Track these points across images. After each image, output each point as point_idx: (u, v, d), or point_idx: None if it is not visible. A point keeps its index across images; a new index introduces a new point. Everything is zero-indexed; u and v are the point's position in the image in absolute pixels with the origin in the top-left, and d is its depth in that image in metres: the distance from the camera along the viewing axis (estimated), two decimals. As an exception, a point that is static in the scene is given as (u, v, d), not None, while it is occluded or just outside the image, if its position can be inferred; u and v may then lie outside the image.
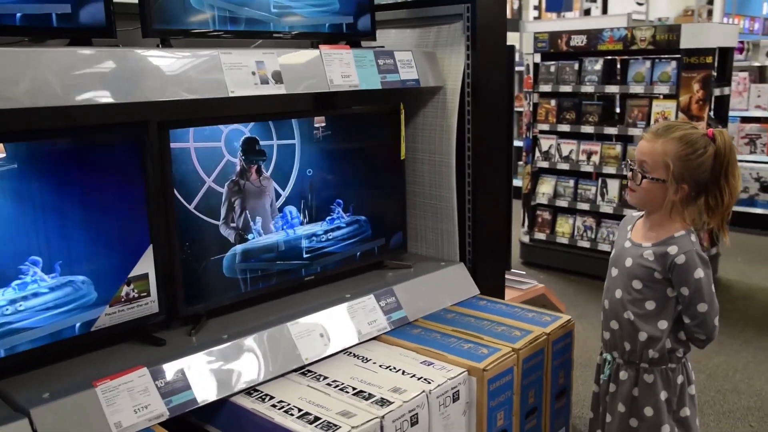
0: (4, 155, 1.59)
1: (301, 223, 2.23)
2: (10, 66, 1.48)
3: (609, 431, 2.03)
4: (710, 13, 12.46)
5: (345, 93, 2.19)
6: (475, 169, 2.46)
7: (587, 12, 12.19)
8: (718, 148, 1.83)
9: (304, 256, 2.24)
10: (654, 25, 5.50)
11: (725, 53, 4.71)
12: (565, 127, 5.23)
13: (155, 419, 1.65)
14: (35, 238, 1.64)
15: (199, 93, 1.79)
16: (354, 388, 1.84)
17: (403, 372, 1.93)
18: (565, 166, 5.28)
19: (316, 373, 1.94)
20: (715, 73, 4.51)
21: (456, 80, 2.41)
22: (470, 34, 2.36)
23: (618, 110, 5.16)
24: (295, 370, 1.94)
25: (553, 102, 5.28)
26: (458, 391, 1.90)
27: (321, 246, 2.29)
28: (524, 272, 3.38)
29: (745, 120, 6.43)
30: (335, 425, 1.65)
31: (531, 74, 5.37)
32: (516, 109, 5.79)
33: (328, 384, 1.88)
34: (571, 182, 5.30)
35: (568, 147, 5.27)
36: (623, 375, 1.99)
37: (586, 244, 5.20)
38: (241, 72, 1.87)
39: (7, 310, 1.61)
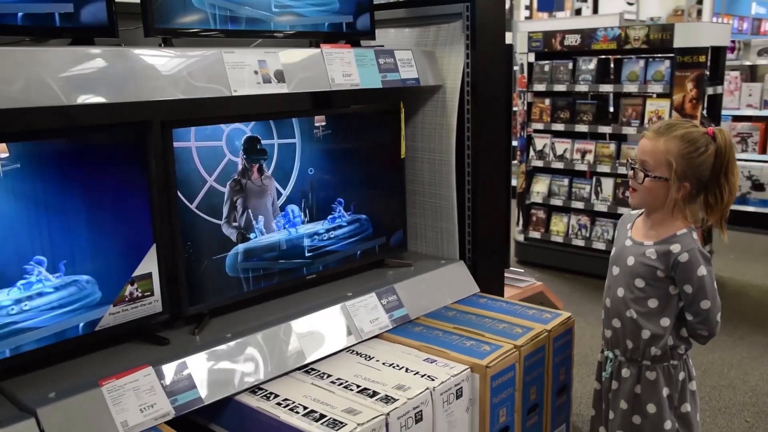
0: (8, 155, 1.59)
1: (303, 222, 2.23)
2: (10, 66, 1.48)
3: (612, 428, 2.04)
4: (700, 12, 12.55)
5: (344, 92, 2.20)
6: (474, 167, 2.47)
7: (578, 12, 12.24)
8: (718, 146, 1.85)
9: (306, 255, 2.25)
10: (647, 25, 5.54)
11: (718, 52, 4.75)
12: (559, 126, 5.26)
13: (161, 418, 1.65)
14: (40, 237, 1.64)
15: (201, 92, 1.80)
16: (358, 386, 1.85)
17: (407, 369, 1.94)
18: (559, 165, 5.30)
19: (319, 371, 1.95)
20: (707, 72, 4.55)
21: (455, 79, 2.42)
22: (470, 33, 2.37)
23: (612, 109, 5.19)
24: (298, 369, 1.95)
25: (547, 101, 5.30)
26: (461, 388, 1.91)
27: (323, 245, 2.29)
28: (522, 270, 3.40)
29: (737, 119, 6.47)
30: (341, 422, 1.66)
31: (525, 73, 5.39)
32: (510, 108, 5.79)
33: (332, 382, 1.88)
34: (566, 181, 5.32)
35: (562, 146, 5.30)
36: (625, 372, 2.00)
37: (580, 243, 5.22)
38: (243, 71, 1.87)
39: (12, 309, 1.60)
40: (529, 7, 12.72)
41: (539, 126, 5.37)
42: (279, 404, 1.76)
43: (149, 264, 1.86)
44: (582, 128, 5.16)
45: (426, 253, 2.65)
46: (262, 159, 2.09)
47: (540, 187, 5.45)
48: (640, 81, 4.82)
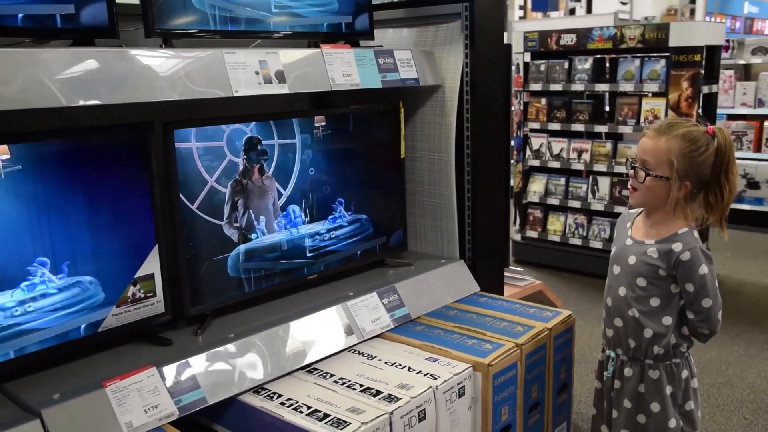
0: (9, 156, 1.58)
1: (304, 222, 2.24)
2: (10, 67, 1.48)
3: (616, 427, 2.04)
4: (692, 12, 12.59)
5: (343, 92, 2.20)
6: (474, 167, 2.48)
7: (572, 11, 12.28)
8: (718, 145, 1.85)
9: (308, 254, 2.25)
10: (643, 24, 5.56)
11: (713, 51, 4.77)
12: (555, 126, 5.27)
13: (165, 419, 1.65)
14: (43, 239, 1.64)
15: (203, 93, 1.80)
16: (361, 385, 1.85)
17: (409, 368, 1.94)
18: (556, 165, 5.32)
19: (322, 370, 1.95)
20: (703, 71, 4.57)
21: (454, 79, 2.43)
22: (469, 33, 2.38)
23: (608, 108, 5.21)
24: (301, 368, 1.95)
25: (543, 101, 5.32)
26: (464, 386, 1.92)
27: (324, 245, 2.30)
28: (522, 269, 3.41)
29: (731, 117, 6.51)
30: (345, 422, 1.66)
31: (521, 73, 5.40)
32: (506, 108, 5.80)
33: (335, 381, 1.89)
34: (562, 180, 5.34)
35: (558, 145, 5.31)
36: (628, 372, 2.00)
37: (577, 242, 5.24)
38: (245, 71, 1.88)
39: (16, 311, 1.60)
40: (523, 7, 12.75)
41: (536, 125, 5.38)
42: (282, 404, 1.76)
43: (151, 265, 1.86)
44: (578, 127, 5.18)
45: (426, 253, 2.65)
46: (263, 159, 2.09)
47: (537, 186, 5.46)
48: (636, 80, 4.84)
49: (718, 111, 5.31)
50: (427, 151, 2.54)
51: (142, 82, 1.69)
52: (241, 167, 2.03)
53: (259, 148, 2.08)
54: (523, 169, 5.50)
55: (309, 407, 1.74)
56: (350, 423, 1.66)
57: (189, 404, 1.71)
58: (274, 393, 1.82)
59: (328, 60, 2.09)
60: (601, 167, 5.09)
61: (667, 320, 1.93)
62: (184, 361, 1.76)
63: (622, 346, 2.02)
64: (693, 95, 4.54)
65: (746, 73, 6.62)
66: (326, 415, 1.70)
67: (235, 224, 2.05)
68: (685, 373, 1.98)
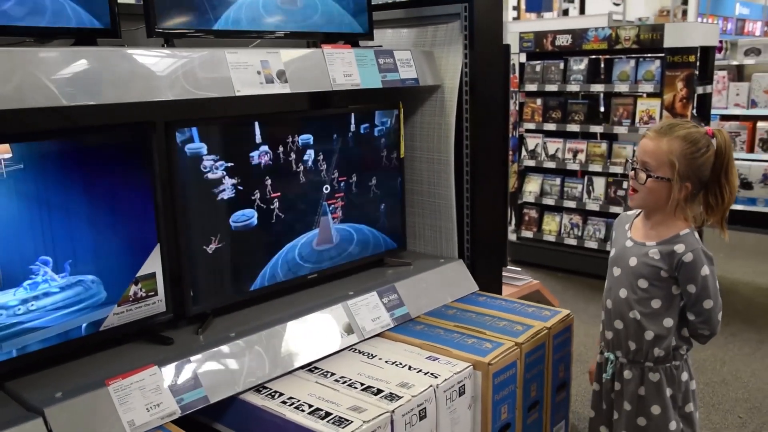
0: (11, 155, 1.58)
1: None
2: (10, 66, 1.47)
3: (617, 429, 2.04)
4: (685, 13, 12.64)
5: (343, 92, 2.21)
6: (473, 166, 2.49)
7: (565, 12, 12.31)
8: (718, 146, 1.85)
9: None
10: (638, 25, 5.58)
11: (707, 52, 4.79)
12: (551, 126, 5.29)
13: (167, 417, 1.66)
14: (45, 238, 1.64)
15: (204, 93, 1.80)
16: (362, 384, 1.86)
17: (410, 367, 1.95)
18: (551, 165, 5.33)
19: (323, 369, 1.96)
20: (697, 72, 4.59)
21: (454, 79, 2.44)
22: (468, 33, 2.39)
23: (603, 109, 5.23)
24: (302, 367, 1.96)
25: (538, 101, 5.33)
26: (464, 385, 1.93)
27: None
28: (519, 269, 3.42)
29: (725, 118, 6.54)
30: (347, 420, 1.67)
31: (517, 74, 5.42)
32: (502, 108, 5.82)
33: (336, 380, 1.89)
34: (558, 180, 5.35)
35: (554, 145, 5.33)
36: (627, 374, 1.99)
37: (572, 242, 5.26)
38: (247, 71, 1.88)
39: (19, 309, 1.60)
40: (516, 8, 12.77)
41: (531, 126, 5.40)
42: (284, 402, 1.77)
43: (153, 264, 1.86)
44: (573, 128, 5.20)
45: (425, 252, 2.66)
46: (262, 159, 2.09)
47: (532, 186, 5.48)
48: (631, 81, 4.86)
49: (712, 111, 5.35)
50: (427, 151, 2.55)
51: (144, 82, 1.69)
52: (242, 166, 2.03)
53: (259, 148, 2.08)
54: (518, 170, 5.51)
55: (310, 406, 1.74)
56: (352, 421, 1.66)
57: (190, 403, 1.71)
58: (276, 392, 1.83)
59: (329, 60, 2.10)
60: (596, 167, 5.11)
61: (668, 322, 1.93)
62: (185, 360, 1.77)
63: (621, 349, 2.01)
64: (687, 96, 4.56)
65: (739, 73, 6.65)
66: (328, 414, 1.70)
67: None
68: (684, 376, 1.97)
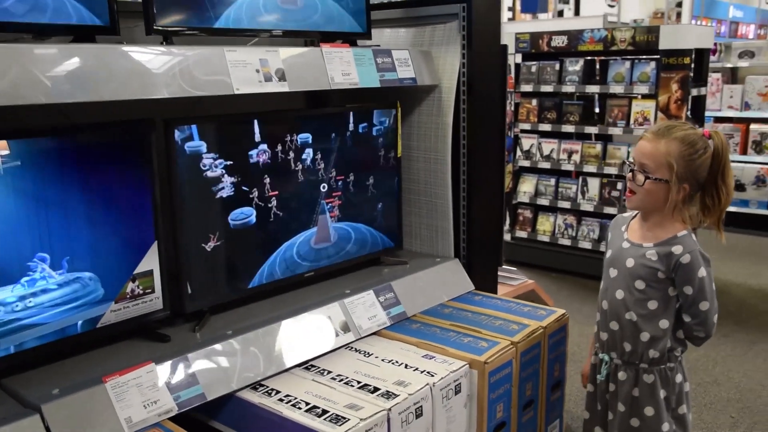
0: (8, 152, 1.58)
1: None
2: (6, 62, 1.47)
3: (611, 429, 2.05)
4: (679, 15, 12.69)
5: (340, 91, 2.21)
6: (470, 166, 2.50)
7: (560, 13, 12.33)
8: (715, 147, 1.86)
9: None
10: (633, 27, 5.61)
11: (701, 54, 4.82)
12: (546, 127, 5.31)
13: (164, 414, 1.66)
14: (42, 234, 1.64)
15: (204, 91, 1.80)
16: (359, 382, 1.86)
17: (406, 366, 1.96)
18: (546, 165, 5.35)
19: (319, 367, 1.96)
20: (692, 74, 4.62)
21: (451, 79, 2.45)
22: (466, 33, 2.39)
23: (598, 110, 5.25)
24: (298, 365, 1.96)
25: (534, 102, 5.35)
26: (460, 383, 1.94)
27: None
28: (515, 268, 3.43)
29: (718, 120, 6.58)
30: (344, 418, 1.68)
31: (512, 74, 5.43)
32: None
33: (333, 378, 1.90)
34: (552, 181, 5.38)
35: (549, 146, 5.35)
36: (622, 375, 2.00)
37: (567, 242, 5.28)
38: (245, 69, 1.88)
39: (16, 306, 1.60)
40: (511, 9, 12.79)
41: (526, 126, 5.42)
42: (281, 400, 1.77)
43: (151, 261, 1.86)
44: (568, 128, 5.22)
45: (421, 251, 2.67)
46: (261, 158, 2.10)
47: (527, 186, 5.50)
48: (626, 82, 4.88)
49: (706, 114, 5.38)
50: (424, 151, 2.56)
51: (141, 79, 1.68)
52: (241, 165, 2.03)
53: (259, 148, 2.08)
54: (513, 170, 5.53)
55: (307, 403, 1.75)
56: (349, 419, 1.67)
57: (187, 400, 1.71)
58: (273, 389, 1.83)
59: (327, 59, 2.10)
60: (590, 168, 5.14)
61: (664, 323, 1.94)
62: (182, 357, 1.77)
63: (616, 350, 2.02)
64: (682, 97, 4.59)
65: (733, 76, 6.69)
66: (325, 411, 1.71)
67: (233, 221, 2.05)
68: (679, 377, 1.99)
